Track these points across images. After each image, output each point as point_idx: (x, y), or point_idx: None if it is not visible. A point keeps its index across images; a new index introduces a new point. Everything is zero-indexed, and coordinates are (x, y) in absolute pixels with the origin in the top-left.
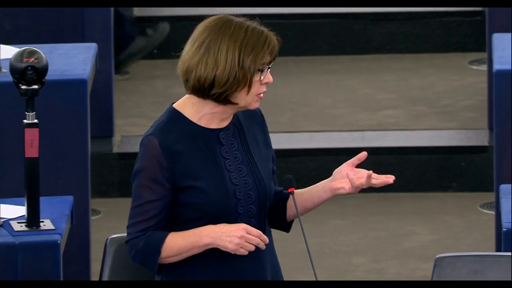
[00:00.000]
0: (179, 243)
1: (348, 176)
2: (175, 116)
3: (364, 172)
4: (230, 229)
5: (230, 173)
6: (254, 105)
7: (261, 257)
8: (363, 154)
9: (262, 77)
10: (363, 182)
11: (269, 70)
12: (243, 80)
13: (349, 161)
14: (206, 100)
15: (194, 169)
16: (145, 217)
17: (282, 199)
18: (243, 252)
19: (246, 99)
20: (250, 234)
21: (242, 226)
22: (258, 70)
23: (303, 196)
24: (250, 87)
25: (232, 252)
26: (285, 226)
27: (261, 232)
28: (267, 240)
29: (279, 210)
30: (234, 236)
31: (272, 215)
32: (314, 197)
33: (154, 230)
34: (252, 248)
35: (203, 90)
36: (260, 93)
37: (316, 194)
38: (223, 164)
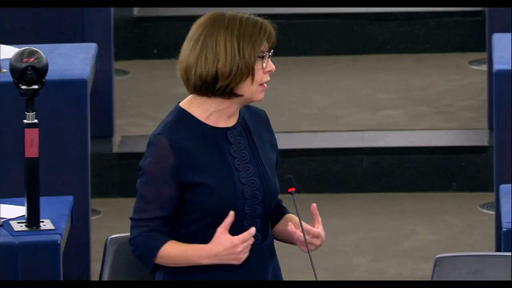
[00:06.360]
0: (177, 257)
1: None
2: (183, 116)
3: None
4: (227, 251)
5: (239, 172)
6: (259, 96)
7: (262, 258)
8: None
9: (264, 65)
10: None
11: (270, 58)
12: (246, 70)
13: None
14: (211, 98)
15: (203, 167)
16: (148, 217)
17: (275, 217)
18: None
19: (251, 89)
20: (245, 242)
21: (235, 242)
22: (259, 57)
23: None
24: (253, 76)
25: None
26: None
27: (248, 232)
28: (253, 231)
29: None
30: (234, 255)
31: None
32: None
33: (156, 230)
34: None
35: (206, 86)
36: (264, 83)
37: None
38: (232, 163)
